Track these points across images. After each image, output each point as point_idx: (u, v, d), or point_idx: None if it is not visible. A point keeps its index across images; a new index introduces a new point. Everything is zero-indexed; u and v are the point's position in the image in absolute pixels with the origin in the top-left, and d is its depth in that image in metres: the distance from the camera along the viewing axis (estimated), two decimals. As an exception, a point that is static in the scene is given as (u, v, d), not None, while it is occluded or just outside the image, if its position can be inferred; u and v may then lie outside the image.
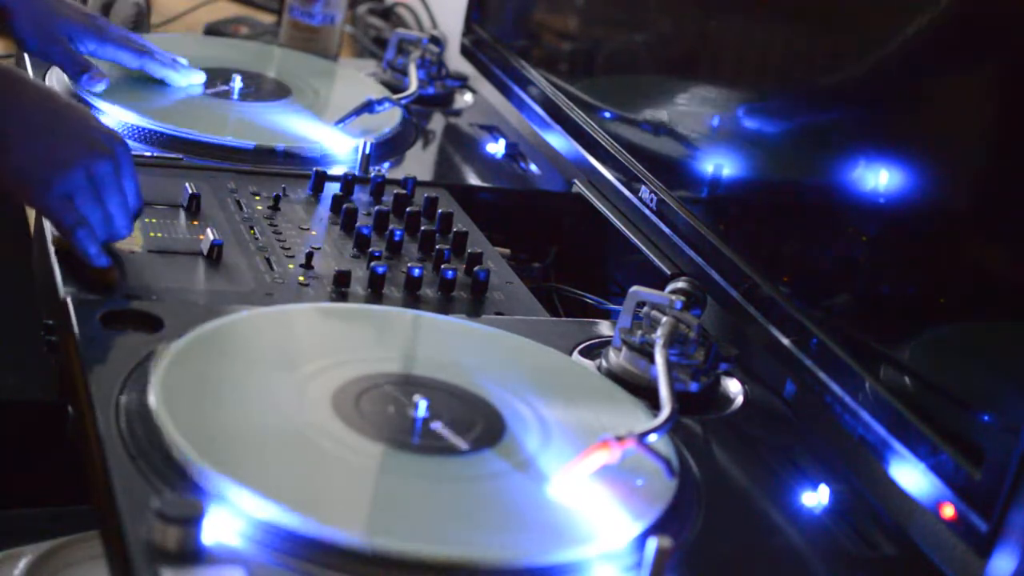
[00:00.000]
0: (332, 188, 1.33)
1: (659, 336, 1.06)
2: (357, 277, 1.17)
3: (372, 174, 1.36)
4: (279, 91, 1.56)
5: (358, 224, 1.25)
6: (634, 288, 1.11)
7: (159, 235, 1.18)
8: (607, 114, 1.42)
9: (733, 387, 1.12)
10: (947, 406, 0.93)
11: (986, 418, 0.89)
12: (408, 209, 1.29)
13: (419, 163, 1.49)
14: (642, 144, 1.34)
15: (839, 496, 0.98)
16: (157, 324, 1.01)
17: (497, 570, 0.82)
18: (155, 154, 1.34)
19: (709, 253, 1.18)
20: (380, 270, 1.16)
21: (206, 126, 1.40)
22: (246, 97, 1.51)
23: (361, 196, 1.33)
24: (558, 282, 1.38)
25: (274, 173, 1.36)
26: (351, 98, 1.51)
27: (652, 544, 0.81)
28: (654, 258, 1.28)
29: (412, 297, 1.16)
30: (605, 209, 1.40)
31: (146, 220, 1.19)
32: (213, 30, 1.89)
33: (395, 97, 1.54)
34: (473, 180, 1.47)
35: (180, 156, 1.35)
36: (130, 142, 1.34)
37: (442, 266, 1.19)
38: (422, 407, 0.94)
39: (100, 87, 1.41)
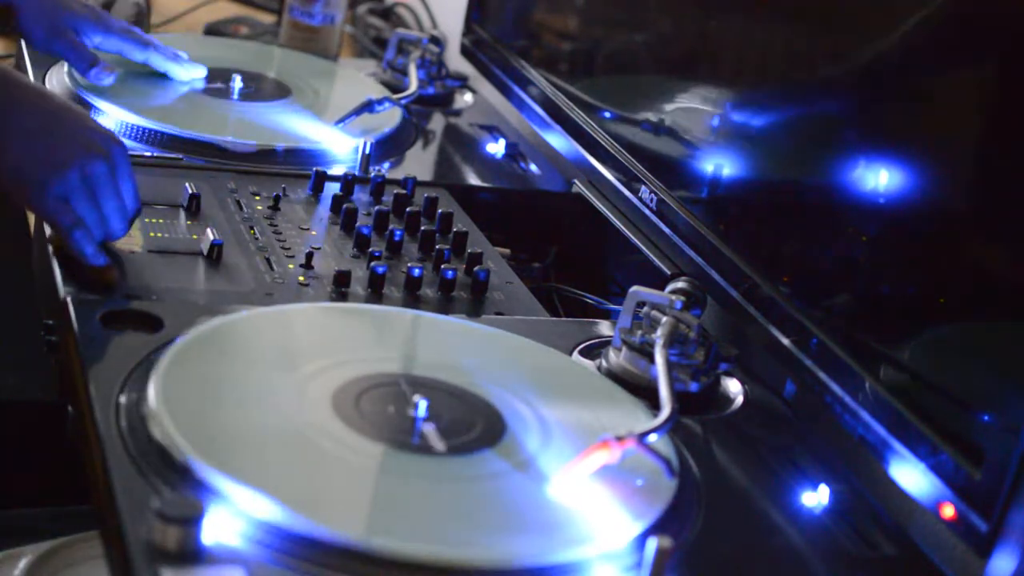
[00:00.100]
0: (332, 188, 1.33)
1: (659, 336, 1.06)
2: (357, 277, 1.17)
3: (372, 174, 1.36)
4: (279, 91, 1.56)
5: (358, 224, 1.25)
6: (634, 288, 1.11)
7: (159, 235, 1.18)
8: (607, 114, 1.42)
9: (733, 387, 1.12)
10: (947, 406, 0.93)
11: (986, 418, 0.89)
12: (408, 209, 1.29)
13: (419, 163, 1.49)
14: (642, 144, 1.34)
15: (839, 496, 0.98)
16: (157, 324, 1.01)
17: (497, 570, 0.82)
18: (155, 154, 1.34)
19: (709, 253, 1.18)
20: (380, 270, 1.16)
21: (206, 126, 1.40)
22: (246, 97, 1.51)
23: (361, 196, 1.33)
24: (558, 282, 1.38)
25: (274, 173, 1.36)
26: (351, 98, 1.51)
27: (652, 544, 0.81)
28: (654, 258, 1.28)
29: (412, 297, 1.16)
30: (605, 209, 1.40)
31: (146, 220, 1.19)
32: (213, 30, 1.89)
33: (395, 97, 1.54)
34: (473, 180, 1.47)
35: (180, 156, 1.35)
36: (130, 142, 1.35)
37: (442, 266, 1.19)
38: (422, 407, 0.94)
39: (109, 80, 1.42)
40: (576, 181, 1.46)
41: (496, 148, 1.56)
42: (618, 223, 1.37)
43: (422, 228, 1.26)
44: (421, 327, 1.10)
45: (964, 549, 0.95)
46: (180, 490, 0.82)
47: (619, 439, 0.90)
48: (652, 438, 0.93)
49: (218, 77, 1.54)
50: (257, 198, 1.29)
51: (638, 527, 0.86)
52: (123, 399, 0.91)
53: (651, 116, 1.34)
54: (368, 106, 1.48)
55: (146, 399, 0.90)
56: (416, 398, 0.94)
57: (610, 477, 0.90)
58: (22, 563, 1.32)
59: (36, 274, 1.20)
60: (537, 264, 1.40)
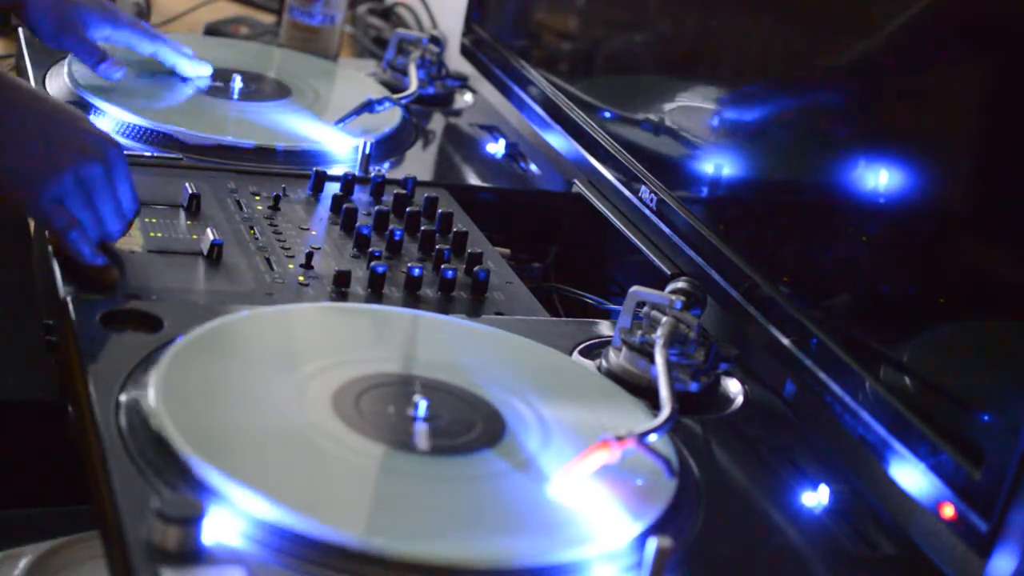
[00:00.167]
0: (332, 188, 1.33)
1: (659, 336, 1.06)
2: (357, 277, 1.17)
3: (372, 174, 1.36)
4: (279, 91, 1.56)
5: (358, 224, 1.25)
6: (634, 288, 1.11)
7: (159, 235, 1.18)
8: (607, 114, 1.42)
9: (733, 387, 1.12)
10: (947, 406, 0.93)
11: (986, 418, 0.89)
12: (408, 209, 1.29)
13: (419, 163, 1.49)
14: (642, 144, 1.34)
15: (839, 496, 0.98)
16: (157, 324, 1.01)
17: (497, 570, 0.82)
18: (155, 154, 1.34)
19: (709, 253, 1.18)
20: (380, 270, 1.16)
21: (206, 126, 1.40)
22: (246, 97, 1.51)
23: (361, 196, 1.33)
24: (558, 282, 1.38)
25: (274, 173, 1.36)
26: (351, 98, 1.51)
27: (652, 544, 0.81)
28: (654, 258, 1.28)
29: (412, 297, 1.16)
30: (605, 209, 1.40)
31: (146, 220, 1.19)
32: (213, 30, 1.89)
33: (395, 97, 1.54)
34: (473, 180, 1.47)
35: (180, 156, 1.35)
36: (130, 142, 1.35)
37: (442, 266, 1.19)
38: (422, 407, 0.94)
39: (118, 75, 1.43)
40: (576, 181, 1.46)
41: (496, 148, 1.56)
42: (618, 223, 1.37)
43: (422, 228, 1.26)
44: (421, 327, 1.10)
45: (964, 549, 0.95)
46: (180, 490, 0.82)
47: (619, 439, 0.90)
48: (652, 438, 0.93)
49: (218, 77, 1.54)
50: (257, 198, 1.29)
51: (638, 527, 0.86)
52: (123, 399, 0.91)
53: (651, 116, 1.34)
54: (368, 106, 1.48)
55: (146, 399, 0.90)
56: (416, 398, 0.94)
57: (610, 477, 0.90)
58: (22, 563, 1.32)
59: (36, 274, 1.20)
60: (537, 264, 1.40)
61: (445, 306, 1.16)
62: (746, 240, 1.16)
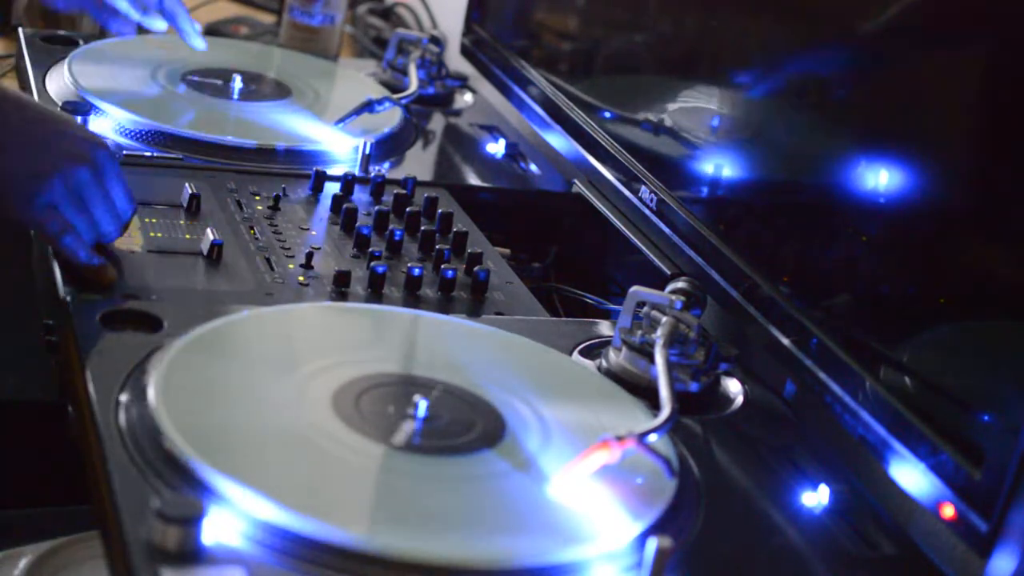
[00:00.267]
0: (332, 188, 1.33)
1: (659, 336, 1.06)
2: (357, 277, 1.17)
3: (372, 174, 1.36)
4: (279, 91, 1.56)
5: (358, 224, 1.25)
6: (634, 288, 1.11)
7: (159, 235, 1.18)
8: (607, 114, 1.42)
9: (733, 387, 1.12)
10: (947, 406, 0.93)
11: (986, 418, 0.89)
12: (408, 209, 1.29)
13: (419, 163, 1.49)
14: (642, 144, 1.34)
15: (839, 496, 0.98)
16: (157, 324, 1.01)
17: (497, 570, 0.82)
18: (155, 154, 1.34)
19: (709, 253, 1.18)
20: (380, 270, 1.16)
21: (206, 126, 1.40)
22: (246, 97, 1.51)
23: (361, 196, 1.33)
24: (558, 282, 1.38)
25: (274, 173, 1.36)
26: (351, 98, 1.51)
27: (652, 544, 0.81)
28: (654, 258, 1.28)
29: (412, 297, 1.16)
30: (605, 209, 1.40)
31: (146, 220, 1.19)
32: (213, 30, 1.89)
33: (395, 97, 1.54)
34: (473, 180, 1.47)
35: (180, 156, 1.35)
36: (130, 142, 1.35)
37: (442, 266, 1.19)
38: (422, 407, 0.94)
39: (128, 30, 1.47)
40: (576, 181, 1.46)
41: (496, 148, 1.56)
42: (618, 223, 1.37)
43: (422, 228, 1.26)
44: (421, 327, 1.10)
45: (964, 549, 0.95)
46: (180, 490, 0.82)
47: (619, 439, 0.90)
48: (652, 438, 0.93)
49: (218, 77, 1.54)
50: (257, 198, 1.29)
51: (638, 527, 0.86)
52: (123, 399, 0.91)
53: (651, 116, 1.34)
54: (368, 106, 1.48)
55: (146, 399, 0.90)
56: (416, 398, 0.94)
57: (610, 477, 0.90)
58: (22, 563, 1.32)
59: (36, 274, 1.20)
60: (537, 264, 1.40)
61: (445, 306, 1.16)
62: (746, 240, 1.16)
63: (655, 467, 0.92)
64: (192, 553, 0.77)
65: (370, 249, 1.22)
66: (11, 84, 1.59)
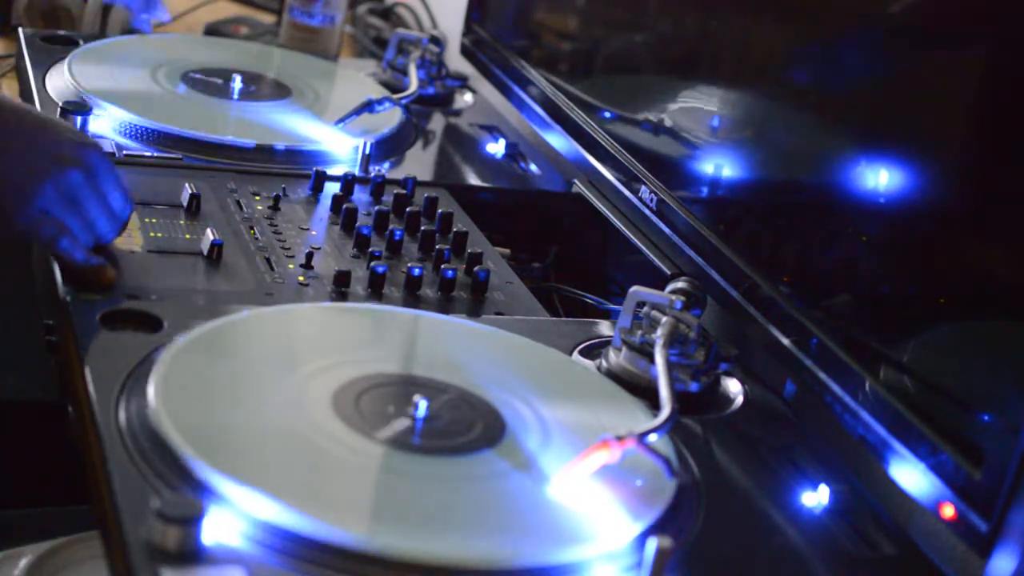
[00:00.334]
0: (332, 188, 1.33)
1: (659, 336, 1.06)
2: (357, 277, 1.17)
3: (372, 174, 1.36)
4: (279, 91, 1.56)
5: (358, 224, 1.25)
6: (634, 288, 1.11)
7: (159, 235, 1.18)
8: (607, 114, 1.42)
9: (733, 387, 1.12)
10: (947, 406, 0.93)
11: (986, 418, 0.89)
12: (408, 209, 1.29)
13: (419, 163, 1.49)
14: (642, 144, 1.34)
15: (839, 496, 0.98)
16: (157, 324, 1.01)
17: (497, 570, 0.82)
18: (155, 154, 1.34)
19: (709, 253, 1.18)
20: (380, 270, 1.16)
21: (206, 126, 1.40)
22: (246, 97, 1.51)
23: (361, 196, 1.33)
24: (558, 282, 1.38)
25: (274, 173, 1.36)
26: (351, 98, 1.51)
27: (652, 544, 0.81)
28: (654, 258, 1.28)
29: (412, 297, 1.16)
30: (605, 209, 1.40)
31: (146, 220, 1.19)
32: (213, 30, 1.89)
33: (395, 97, 1.54)
34: (473, 180, 1.47)
35: (180, 156, 1.35)
36: (130, 142, 1.35)
37: (442, 266, 1.19)
38: (422, 407, 0.94)
39: None
40: (576, 181, 1.46)
41: (496, 148, 1.56)
42: (618, 223, 1.37)
43: (422, 228, 1.26)
44: (421, 327, 1.10)
45: (964, 549, 0.95)
46: (180, 490, 0.82)
47: (619, 439, 0.90)
48: (652, 438, 0.93)
49: (218, 77, 1.54)
50: (257, 198, 1.29)
51: (638, 527, 0.86)
52: (123, 399, 0.91)
53: (651, 116, 1.34)
54: (368, 106, 1.48)
55: (146, 399, 0.90)
56: (416, 398, 0.94)
57: (610, 477, 0.90)
58: (22, 563, 1.32)
59: (36, 274, 1.20)
60: (537, 264, 1.40)
61: (445, 306, 1.16)
62: (746, 240, 1.16)
63: (655, 467, 0.92)
64: (192, 553, 0.77)
65: (370, 249, 1.22)
66: (11, 84, 1.59)
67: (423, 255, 1.24)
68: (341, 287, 1.15)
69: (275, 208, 1.28)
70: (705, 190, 1.23)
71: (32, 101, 1.41)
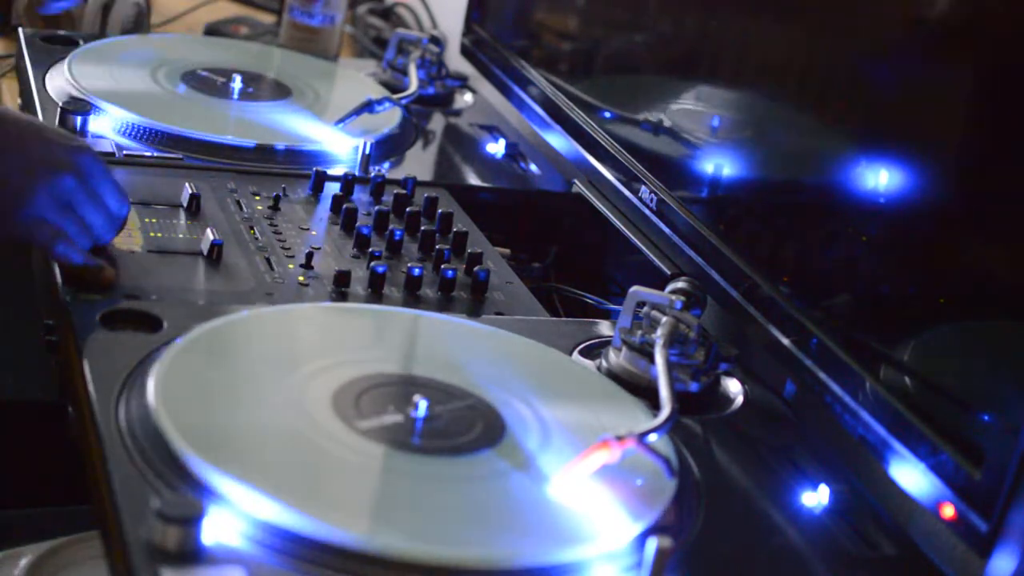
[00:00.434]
0: (332, 188, 1.33)
1: (659, 336, 1.06)
2: (357, 277, 1.17)
3: (372, 174, 1.36)
4: (279, 91, 1.56)
5: (358, 224, 1.25)
6: (634, 288, 1.11)
7: (159, 235, 1.18)
8: (607, 114, 1.42)
9: (733, 387, 1.12)
10: (947, 406, 0.93)
11: (986, 418, 0.89)
12: (408, 209, 1.29)
13: (419, 163, 1.49)
14: (642, 144, 1.34)
15: (839, 496, 0.98)
16: (157, 324, 1.01)
17: (497, 570, 0.82)
18: (155, 154, 1.34)
19: (709, 253, 1.18)
20: (380, 270, 1.16)
21: (206, 126, 1.40)
22: (246, 97, 1.51)
23: (361, 196, 1.33)
24: (558, 282, 1.38)
25: (274, 173, 1.36)
26: (351, 98, 1.51)
27: (652, 544, 0.81)
28: (654, 258, 1.28)
29: (412, 297, 1.16)
30: (605, 209, 1.40)
31: (146, 220, 1.19)
32: (213, 30, 1.89)
33: (395, 97, 1.54)
34: (473, 180, 1.47)
35: (180, 156, 1.35)
36: (130, 142, 1.35)
37: (442, 266, 1.19)
38: (422, 407, 0.94)
39: None
40: (576, 181, 1.46)
41: (496, 148, 1.56)
42: (618, 223, 1.37)
43: (422, 228, 1.26)
44: (421, 327, 1.10)
45: (964, 549, 0.95)
46: (180, 490, 0.82)
47: (619, 439, 0.90)
48: (652, 438, 0.93)
49: (218, 77, 1.54)
50: (257, 198, 1.29)
51: (638, 527, 0.86)
52: (123, 399, 0.91)
53: (651, 116, 1.34)
54: (368, 106, 1.48)
55: (146, 399, 0.90)
56: (416, 398, 0.94)
57: (610, 477, 0.90)
58: (22, 563, 1.32)
59: (36, 274, 1.20)
60: (537, 264, 1.40)
61: (445, 306, 1.16)
62: (746, 240, 1.16)
63: (655, 467, 0.92)
64: (192, 553, 0.77)
65: (370, 249, 1.22)
66: (11, 84, 1.59)
67: (423, 255, 1.24)
68: (341, 287, 1.15)
69: (275, 208, 1.28)
70: (705, 190, 1.23)
71: (32, 101, 1.41)
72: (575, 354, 1.12)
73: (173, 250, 1.15)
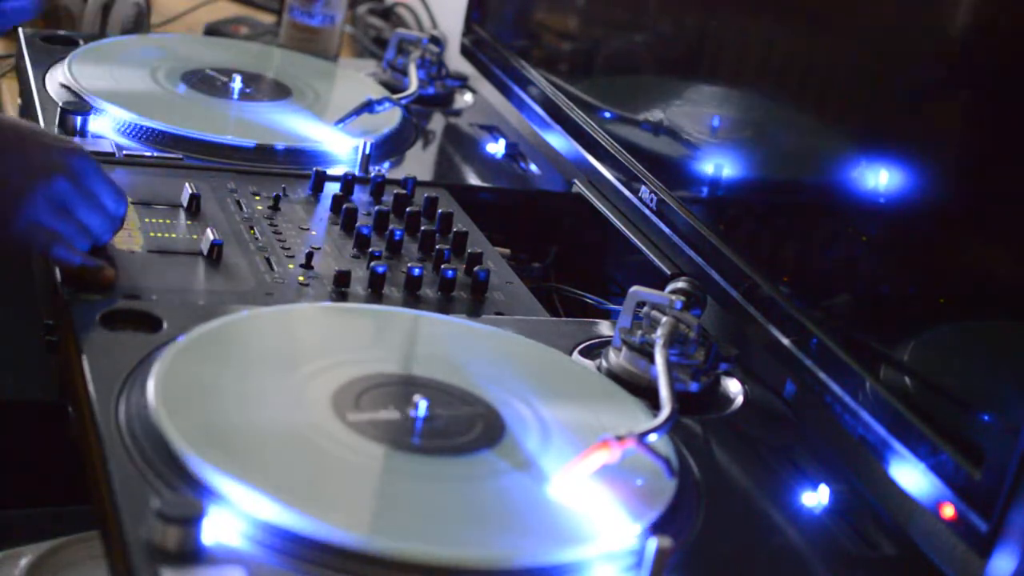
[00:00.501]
0: (332, 188, 1.33)
1: (659, 336, 1.06)
2: (357, 277, 1.17)
3: (372, 174, 1.36)
4: (279, 91, 1.56)
5: (358, 224, 1.25)
6: (634, 288, 1.11)
7: (159, 235, 1.18)
8: (607, 114, 1.42)
9: (733, 387, 1.12)
10: (947, 406, 0.93)
11: (986, 418, 0.89)
12: (408, 209, 1.29)
13: (419, 163, 1.49)
14: (642, 144, 1.34)
15: (839, 496, 0.98)
16: (157, 324, 1.01)
17: (497, 570, 0.82)
18: (155, 154, 1.34)
19: (709, 253, 1.18)
20: (380, 270, 1.16)
21: (206, 126, 1.40)
22: (246, 97, 1.51)
23: (361, 196, 1.33)
24: (558, 282, 1.38)
25: (274, 173, 1.36)
26: (351, 98, 1.51)
27: (652, 544, 0.81)
28: (654, 258, 1.28)
29: (412, 297, 1.16)
30: (605, 209, 1.40)
31: (146, 220, 1.19)
32: (213, 30, 1.89)
33: (395, 97, 1.54)
34: (473, 180, 1.47)
35: (180, 156, 1.35)
36: (130, 142, 1.35)
37: (442, 266, 1.19)
38: (422, 407, 0.94)
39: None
40: (576, 181, 1.46)
41: (496, 148, 1.56)
42: (618, 223, 1.37)
43: (422, 228, 1.26)
44: (421, 327, 1.10)
45: (964, 549, 0.95)
46: (180, 490, 0.82)
47: (619, 439, 0.90)
48: (652, 438, 0.93)
49: (218, 77, 1.54)
50: (257, 198, 1.29)
51: (638, 527, 0.86)
52: (123, 399, 0.91)
53: (651, 116, 1.34)
54: (368, 106, 1.48)
55: (146, 399, 0.90)
56: (416, 398, 0.94)
57: (610, 477, 0.90)
58: (22, 563, 1.32)
59: (36, 274, 1.20)
60: (537, 264, 1.40)
61: (445, 306, 1.16)
62: (746, 240, 1.16)
63: (655, 467, 0.92)
64: (192, 553, 0.77)
65: (370, 249, 1.22)
66: (11, 84, 1.59)
67: (423, 255, 1.24)
68: (341, 287, 1.15)
69: (275, 208, 1.28)
70: (705, 190, 1.23)
71: (32, 101, 1.41)
72: (575, 354, 1.12)
73: (173, 250, 1.15)
